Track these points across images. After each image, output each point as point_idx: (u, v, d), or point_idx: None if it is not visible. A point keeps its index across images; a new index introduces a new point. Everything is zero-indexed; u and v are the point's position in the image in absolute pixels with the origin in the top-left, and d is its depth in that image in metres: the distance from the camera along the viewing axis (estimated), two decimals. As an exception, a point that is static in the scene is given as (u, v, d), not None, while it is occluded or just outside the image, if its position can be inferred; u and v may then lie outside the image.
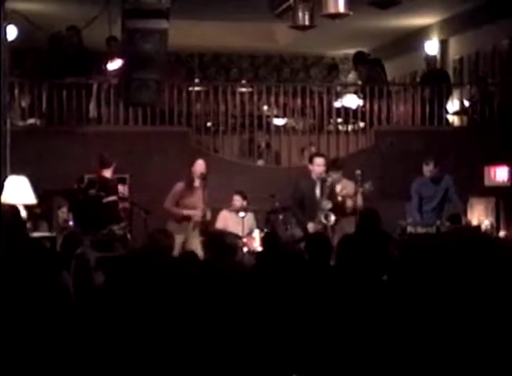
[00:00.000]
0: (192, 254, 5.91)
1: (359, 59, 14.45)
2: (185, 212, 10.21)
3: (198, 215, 10.22)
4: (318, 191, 9.94)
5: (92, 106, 12.53)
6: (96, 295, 5.05)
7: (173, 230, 8.46)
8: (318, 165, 9.99)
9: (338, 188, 10.29)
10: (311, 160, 10.17)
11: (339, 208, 9.98)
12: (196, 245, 9.50)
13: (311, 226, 9.78)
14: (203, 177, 10.28)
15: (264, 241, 9.16)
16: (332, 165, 10.68)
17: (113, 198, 10.48)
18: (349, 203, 10.08)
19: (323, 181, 9.95)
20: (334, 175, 10.43)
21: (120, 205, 10.66)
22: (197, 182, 10.31)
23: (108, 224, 9.53)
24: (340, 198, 10.11)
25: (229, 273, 5.28)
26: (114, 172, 10.62)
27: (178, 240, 9.01)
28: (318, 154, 10.56)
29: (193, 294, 4.92)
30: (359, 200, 10.10)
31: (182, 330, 4.54)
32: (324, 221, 9.74)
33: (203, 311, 4.71)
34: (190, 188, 10.30)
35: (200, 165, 10.33)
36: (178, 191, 10.29)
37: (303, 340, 4.58)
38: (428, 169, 10.46)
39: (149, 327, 4.54)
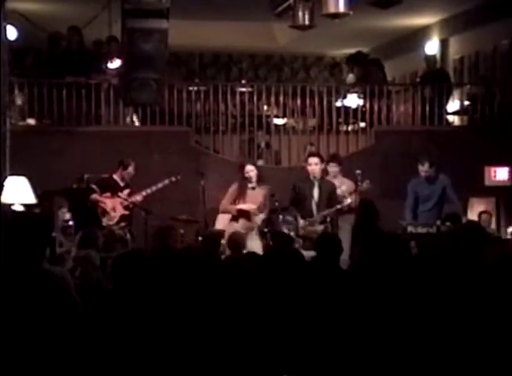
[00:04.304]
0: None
1: (354, 60, 14.44)
2: (239, 206, 9.85)
3: (253, 207, 9.85)
4: (316, 193, 9.85)
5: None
6: (105, 296, 5.03)
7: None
8: (310, 164, 9.92)
9: (337, 182, 10.26)
10: (306, 160, 10.13)
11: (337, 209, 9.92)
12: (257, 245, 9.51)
13: (301, 223, 9.71)
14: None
15: (274, 240, 8.97)
16: (331, 159, 10.63)
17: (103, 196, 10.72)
18: (348, 200, 10.01)
19: (321, 182, 9.90)
20: (332, 169, 10.42)
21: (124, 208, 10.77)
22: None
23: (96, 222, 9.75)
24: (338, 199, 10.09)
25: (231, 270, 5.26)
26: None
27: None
28: (312, 154, 10.45)
29: (192, 292, 4.92)
30: (356, 199, 10.06)
31: (180, 329, 4.54)
32: (320, 226, 9.67)
33: (201, 310, 4.70)
34: (243, 189, 10.01)
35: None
36: (233, 192, 10.03)
37: (301, 339, 4.56)
38: (423, 169, 10.27)
39: (151, 326, 4.54)
